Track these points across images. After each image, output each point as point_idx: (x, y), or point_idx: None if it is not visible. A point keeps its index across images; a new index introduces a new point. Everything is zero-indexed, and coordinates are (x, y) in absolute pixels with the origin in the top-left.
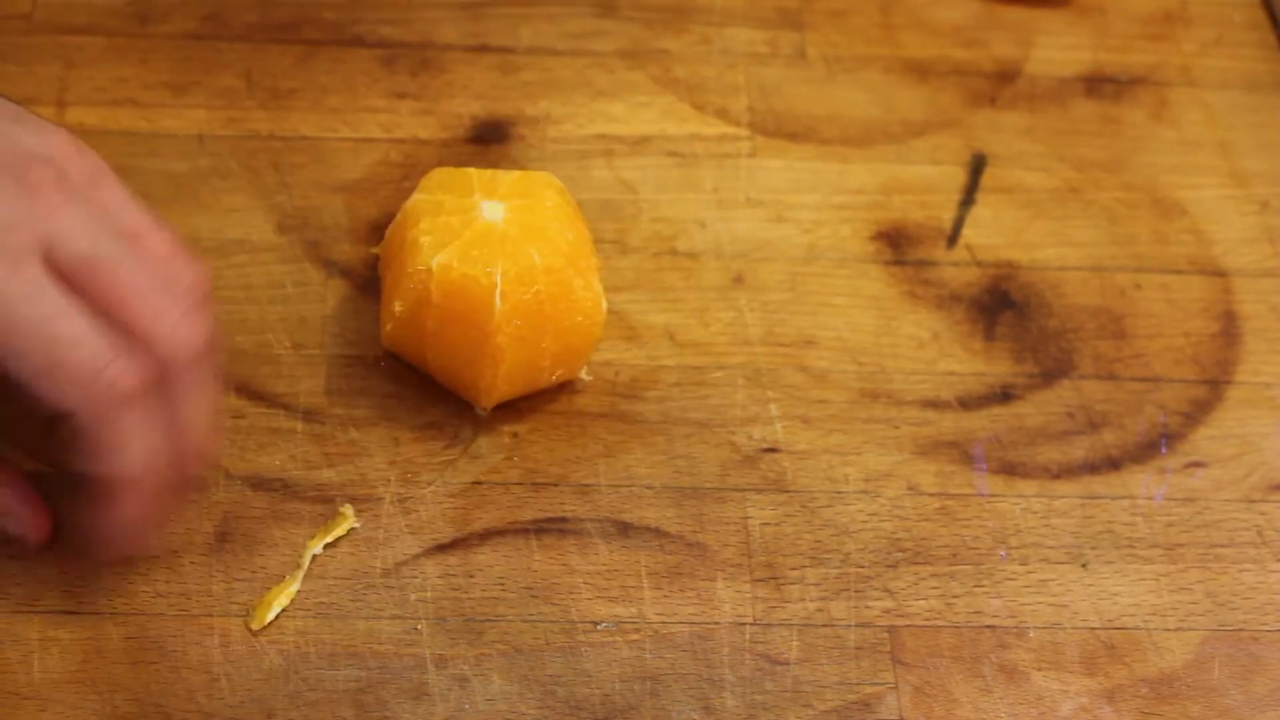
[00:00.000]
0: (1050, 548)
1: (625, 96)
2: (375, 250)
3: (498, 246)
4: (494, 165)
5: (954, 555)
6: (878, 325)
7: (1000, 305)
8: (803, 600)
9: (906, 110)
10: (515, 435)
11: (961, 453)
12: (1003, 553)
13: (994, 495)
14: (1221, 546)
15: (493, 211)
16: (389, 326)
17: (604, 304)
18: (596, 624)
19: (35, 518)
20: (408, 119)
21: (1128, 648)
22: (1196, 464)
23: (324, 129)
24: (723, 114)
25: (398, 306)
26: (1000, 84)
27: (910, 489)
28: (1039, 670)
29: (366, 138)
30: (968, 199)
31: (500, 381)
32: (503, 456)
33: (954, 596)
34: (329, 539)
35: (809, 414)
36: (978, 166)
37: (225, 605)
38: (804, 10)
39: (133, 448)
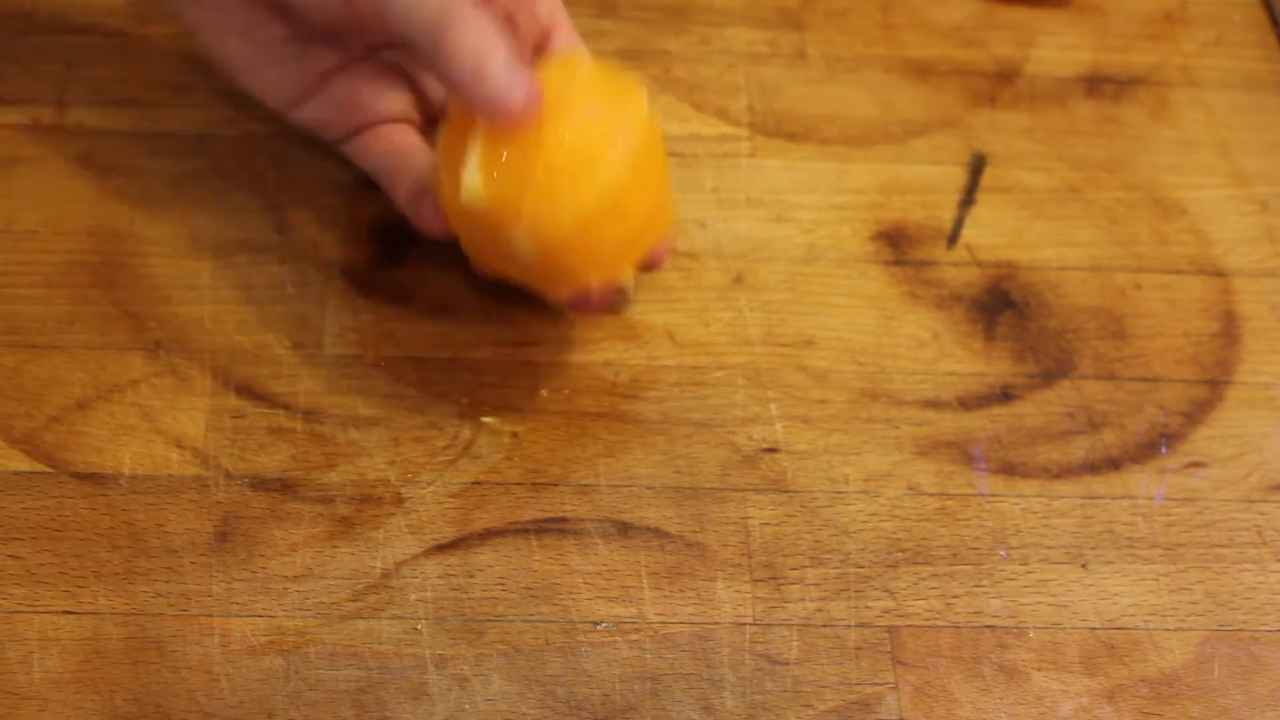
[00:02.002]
0: (1050, 548)
1: None
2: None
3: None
4: None
5: (954, 555)
6: (878, 325)
7: (1000, 305)
8: (803, 600)
9: (906, 110)
10: (515, 435)
11: (961, 453)
12: (1003, 553)
13: (994, 495)
14: (1221, 546)
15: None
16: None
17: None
18: (596, 624)
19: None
20: None
21: (1128, 648)
22: (1196, 464)
23: None
24: (723, 114)
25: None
26: (1000, 84)
27: (910, 489)
28: (1039, 670)
29: None
30: (968, 199)
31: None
32: (503, 456)
33: (954, 596)
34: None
35: (809, 414)
36: (978, 166)
37: (225, 605)
38: (804, 10)
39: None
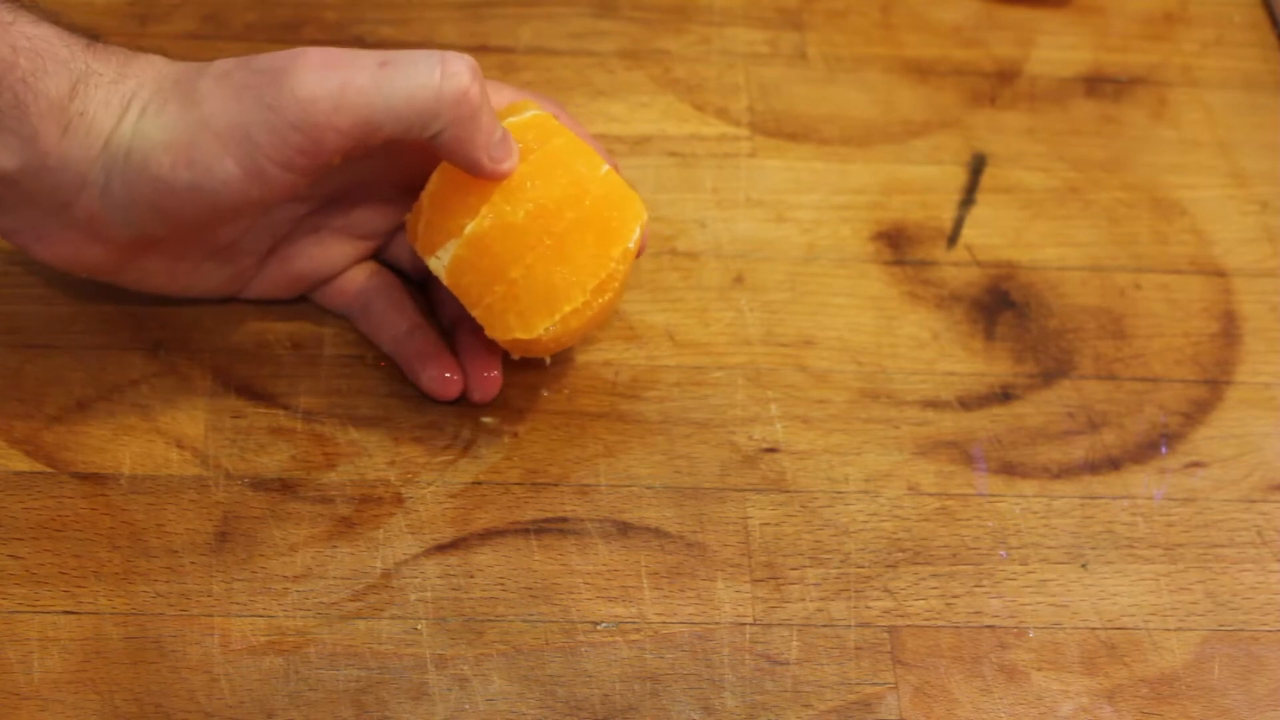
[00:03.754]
0: (1050, 548)
1: (625, 96)
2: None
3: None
4: None
5: (954, 555)
6: (878, 325)
7: (1000, 305)
8: (803, 600)
9: (906, 110)
10: (515, 435)
11: (961, 453)
12: (1003, 553)
13: (994, 495)
14: (1221, 546)
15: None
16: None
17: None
18: (596, 624)
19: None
20: None
21: (1128, 648)
22: (1196, 464)
23: None
24: (723, 114)
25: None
26: (1000, 84)
27: (910, 489)
28: (1039, 670)
29: None
30: (968, 199)
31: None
32: (502, 456)
33: (954, 596)
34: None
35: (809, 414)
36: (978, 166)
37: (225, 605)
38: (804, 10)
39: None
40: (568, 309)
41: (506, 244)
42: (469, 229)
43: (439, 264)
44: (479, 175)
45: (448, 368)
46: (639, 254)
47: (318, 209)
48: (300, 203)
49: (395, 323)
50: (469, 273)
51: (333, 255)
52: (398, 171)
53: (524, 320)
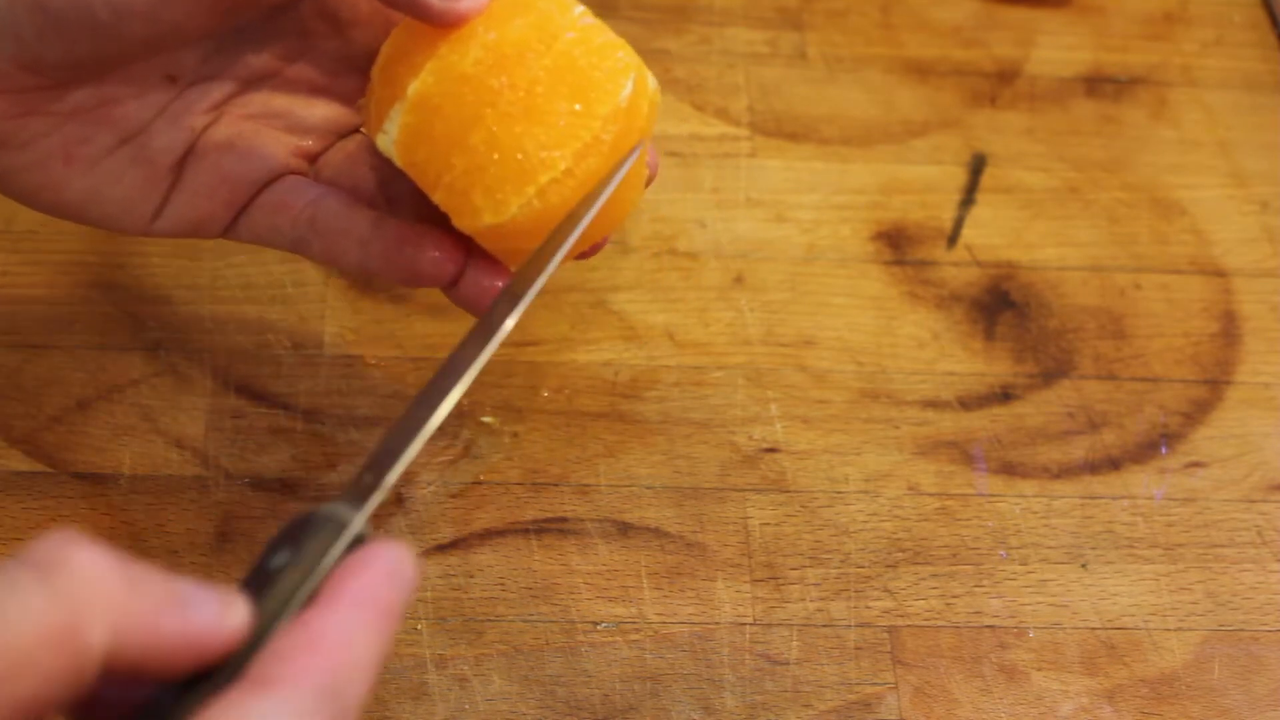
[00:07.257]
0: (1050, 548)
1: None
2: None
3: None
4: None
5: (954, 555)
6: (878, 325)
7: (1000, 305)
8: (803, 600)
9: (906, 110)
10: (515, 435)
11: (961, 453)
12: (1003, 553)
13: (994, 495)
14: (1221, 546)
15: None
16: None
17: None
18: (596, 624)
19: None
20: None
21: (1128, 648)
22: (1196, 464)
23: None
24: (723, 114)
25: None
26: (1000, 84)
27: (910, 489)
28: (1039, 670)
29: None
30: (968, 199)
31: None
32: (503, 456)
33: (954, 596)
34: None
35: (809, 414)
36: (978, 166)
37: None
38: (804, 10)
39: None
40: (545, 179)
41: (460, 101)
42: (412, 88)
43: (387, 140)
44: (431, 22)
45: (436, 244)
46: (648, 122)
47: (243, 90)
48: (221, 81)
49: (356, 223)
50: (422, 145)
51: (265, 151)
52: (339, 48)
53: (492, 197)
